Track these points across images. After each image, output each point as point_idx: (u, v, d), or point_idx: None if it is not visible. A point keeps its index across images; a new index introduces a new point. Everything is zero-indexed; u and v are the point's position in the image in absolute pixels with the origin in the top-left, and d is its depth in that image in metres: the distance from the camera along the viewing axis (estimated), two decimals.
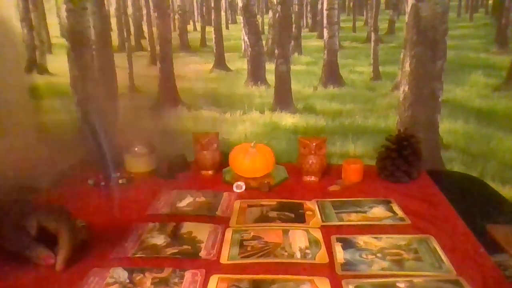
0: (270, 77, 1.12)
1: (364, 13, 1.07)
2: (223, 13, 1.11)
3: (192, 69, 1.14)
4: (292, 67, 1.11)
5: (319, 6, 1.07)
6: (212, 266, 0.66)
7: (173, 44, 1.13)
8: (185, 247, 0.71)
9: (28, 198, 0.81)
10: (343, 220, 0.81)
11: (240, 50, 1.12)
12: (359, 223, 0.80)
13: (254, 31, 1.10)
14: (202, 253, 0.69)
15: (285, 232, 0.76)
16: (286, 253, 0.69)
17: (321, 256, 0.68)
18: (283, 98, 1.12)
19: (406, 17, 1.03)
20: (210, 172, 1.05)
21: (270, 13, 1.08)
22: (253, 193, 0.94)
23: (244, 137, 1.15)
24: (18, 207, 0.67)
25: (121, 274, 0.63)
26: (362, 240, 0.73)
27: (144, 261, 0.67)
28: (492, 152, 1.06)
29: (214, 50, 1.13)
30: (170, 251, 0.70)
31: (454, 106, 1.07)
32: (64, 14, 1.10)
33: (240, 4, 1.09)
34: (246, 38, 1.11)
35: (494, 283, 0.61)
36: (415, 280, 0.61)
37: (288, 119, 1.13)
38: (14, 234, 0.64)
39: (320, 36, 1.09)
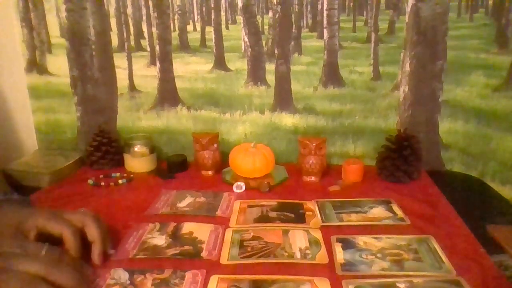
0: (270, 78, 1.12)
1: (364, 13, 1.07)
2: (223, 13, 1.11)
3: (192, 69, 1.14)
4: (292, 68, 1.10)
5: (319, 6, 1.07)
6: (212, 267, 0.66)
7: (173, 44, 1.13)
8: (186, 247, 0.71)
9: (27, 200, 0.81)
10: (343, 220, 0.81)
11: (240, 50, 1.12)
12: (359, 223, 0.80)
13: (254, 31, 1.10)
14: (204, 254, 0.69)
15: (285, 232, 0.76)
16: (286, 254, 0.69)
17: (321, 256, 0.68)
18: (283, 99, 1.12)
19: (406, 17, 1.03)
20: (210, 172, 1.05)
21: (270, 13, 1.08)
22: (253, 193, 0.94)
23: (244, 138, 1.15)
24: (16, 212, 0.66)
25: (121, 275, 0.63)
26: (362, 240, 0.73)
27: (144, 262, 0.67)
28: (492, 152, 1.06)
29: (214, 50, 1.13)
30: (171, 252, 0.70)
31: (454, 106, 1.07)
32: (64, 14, 1.10)
33: (240, 4, 1.09)
34: (246, 38, 1.11)
35: (494, 283, 0.61)
36: (415, 280, 0.61)
37: (288, 120, 1.13)
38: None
39: (320, 36, 1.09)
